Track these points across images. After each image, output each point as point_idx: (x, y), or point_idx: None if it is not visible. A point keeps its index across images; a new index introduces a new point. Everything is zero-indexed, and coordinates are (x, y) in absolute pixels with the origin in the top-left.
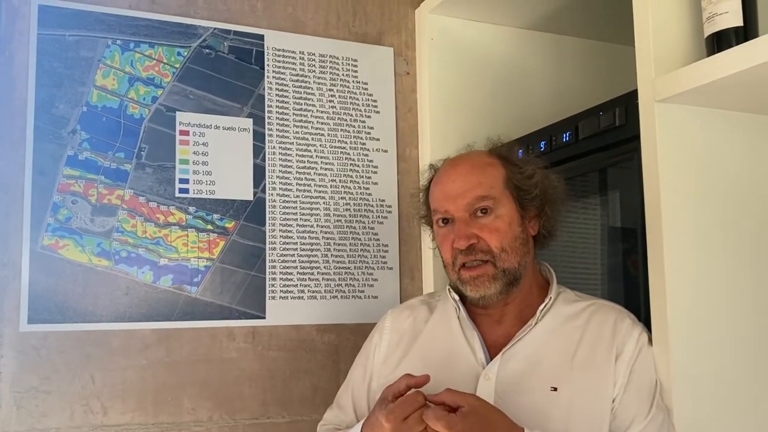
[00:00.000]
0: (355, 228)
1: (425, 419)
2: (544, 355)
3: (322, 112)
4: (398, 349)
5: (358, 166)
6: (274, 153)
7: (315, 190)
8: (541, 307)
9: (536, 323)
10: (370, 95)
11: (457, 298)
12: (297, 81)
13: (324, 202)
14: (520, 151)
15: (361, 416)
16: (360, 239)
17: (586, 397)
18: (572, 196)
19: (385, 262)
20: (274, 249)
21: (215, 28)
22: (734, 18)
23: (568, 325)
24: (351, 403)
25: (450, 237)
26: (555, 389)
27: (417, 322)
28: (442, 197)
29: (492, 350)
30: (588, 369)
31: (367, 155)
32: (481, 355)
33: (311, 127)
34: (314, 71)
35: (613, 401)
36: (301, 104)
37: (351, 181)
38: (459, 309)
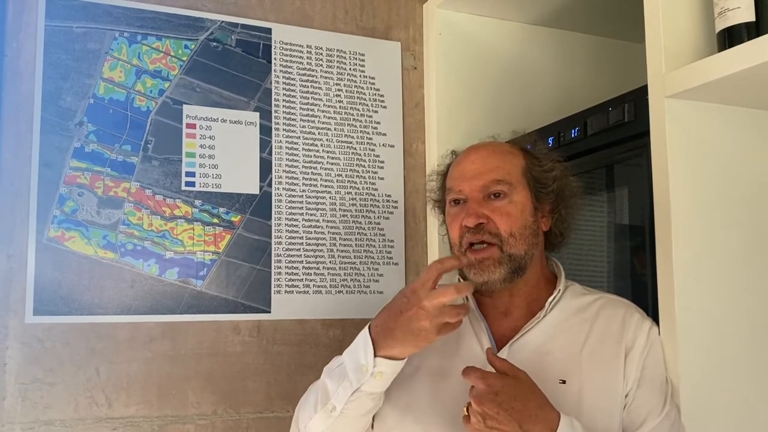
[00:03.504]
0: (360, 223)
1: (464, 374)
2: (553, 348)
3: (328, 106)
4: None
5: (364, 161)
6: (280, 147)
7: (321, 185)
8: (550, 298)
9: (545, 315)
10: (377, 90)
11: None
12: (304, 75)
13: (330, 197)
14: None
15: None
16: (366, 234)
17: (595, 390)
18: (581, 193)
19: (391, 258)
20: (280, 243)
21: (223, 22)
22: (746, 13)
23: (577, 318)
24: None
25: (460, 216)
26: (564, 382)
27: None
28: (459, 176)
29: (499, 342)
30: (597, 362)
31: (373, 150)
32: (488, 346)
33: (318, 121)
34: (321, 65)
35: (626, 396)
36: (308, 98)
37: (357, 176)
38: (467, 298)
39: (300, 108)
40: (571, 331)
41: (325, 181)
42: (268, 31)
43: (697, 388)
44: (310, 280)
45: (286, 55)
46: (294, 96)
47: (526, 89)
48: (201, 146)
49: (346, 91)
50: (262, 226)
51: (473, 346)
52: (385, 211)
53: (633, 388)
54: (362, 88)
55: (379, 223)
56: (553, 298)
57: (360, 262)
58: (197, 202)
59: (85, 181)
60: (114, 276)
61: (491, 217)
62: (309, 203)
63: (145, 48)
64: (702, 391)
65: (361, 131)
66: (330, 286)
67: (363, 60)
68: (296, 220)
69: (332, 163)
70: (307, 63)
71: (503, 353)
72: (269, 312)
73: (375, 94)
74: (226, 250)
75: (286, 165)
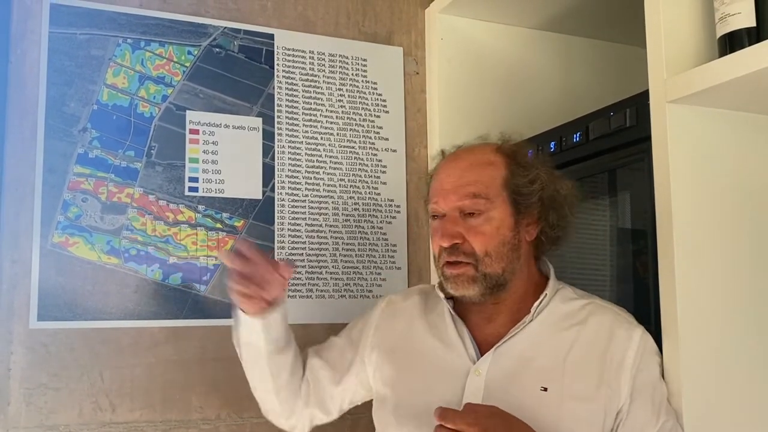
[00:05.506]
0: (363, 228)
1: (439, 417)
2: (537, 354)
3: (331, 111)
4: (389, 337)
5: (367, 165)
6: (283, 152)
7: (324, 190)
8: (536, 303)
9: (531, 320)
10: (380, 95)
11: (441, 295)
12: (306, 80)
13: (333, 202)
14: (530, 151)
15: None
16: (368, 239)
17: (575, 400)
18: (582, 197)
19: (394, 262)
20: (283, 248)
21: (225, 28)
22: (747, 19)
23: (564, 324)
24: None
25: (438, 233)
26: (545, 389)
27: (412, 312)
28: (437, 190)
29: (483, 347)
30: (580, 372)
31: (376, 155)
32: (472, 351)
33: (320, 126)
34: (324, 71)
35: (618, 413)
36: (311, 104)
37: (360, 181)
38: (447, 306)
39: (302, 113)
40: (556, 338)
41: (328, 185)
42: (271, 36)
43: (699, 393)
44: (313, 285)
45: (289, 61)
46: (296, 101)
47: (527, 94)
48: (204, 152)
49: (349, 96)
50: (265, 231)
51: (458, 350)
52: (387, 216)
53: (626, 402)
54: (364, 93)
55: (381, 228)
56: (539, 302)
57: (363, 267)
58: (200, 208)
59: (89, 186)
60: (118, 281)
61: (466, 236)
62: (312, 208)
63: (149, 54)
64: (704, 396)
65: (363, 136)
66: (333, 290)
67: (365, 65)
68: (299, 224)
69: (335, 168)
70: (310, 68)
71: (487, 358)
72: None
73: (377, 99)
74: None
75: (289, 170)
